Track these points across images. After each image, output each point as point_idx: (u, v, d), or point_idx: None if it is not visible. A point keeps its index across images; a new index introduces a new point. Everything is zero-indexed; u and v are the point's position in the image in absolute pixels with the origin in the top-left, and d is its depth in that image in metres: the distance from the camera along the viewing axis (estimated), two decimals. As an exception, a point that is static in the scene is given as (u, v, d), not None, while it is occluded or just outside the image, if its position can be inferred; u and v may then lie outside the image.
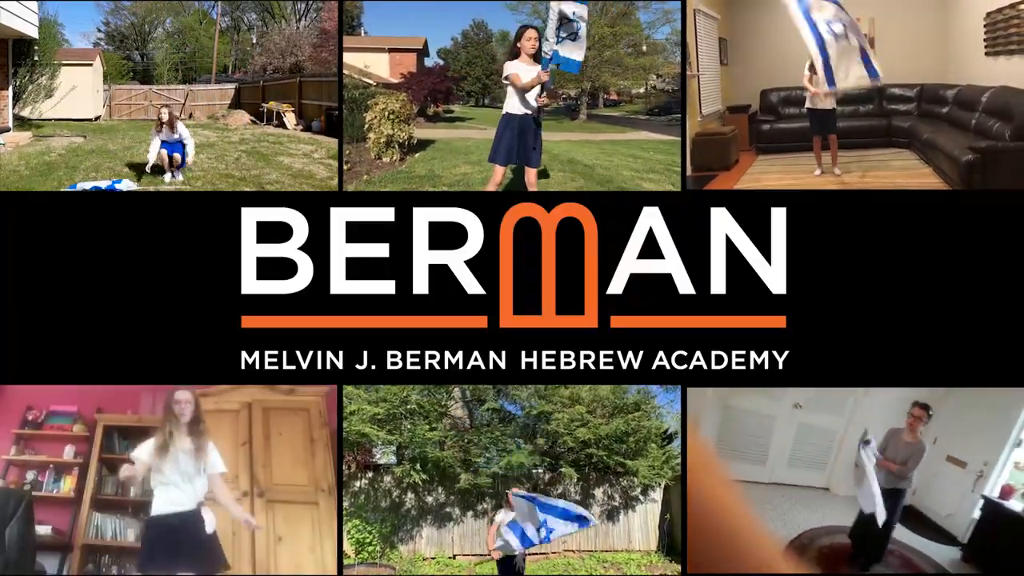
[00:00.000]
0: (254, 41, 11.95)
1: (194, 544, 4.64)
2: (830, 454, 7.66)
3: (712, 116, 10.21)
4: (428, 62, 11.60)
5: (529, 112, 6.44)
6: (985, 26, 8.76)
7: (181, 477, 4.62)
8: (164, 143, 7.98)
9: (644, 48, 11.50)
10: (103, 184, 7.69)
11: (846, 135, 8.61)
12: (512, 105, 6.48)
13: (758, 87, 10.98)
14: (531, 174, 6.64)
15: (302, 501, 6.04)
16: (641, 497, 8.03)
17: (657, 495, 8.05)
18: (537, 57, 6.41)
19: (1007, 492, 6.75)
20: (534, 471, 7.89)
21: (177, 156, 8.09)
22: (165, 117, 7.95)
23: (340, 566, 6.12)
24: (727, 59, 10.99)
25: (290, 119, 10.70)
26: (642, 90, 12.15)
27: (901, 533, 6.45)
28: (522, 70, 6.38)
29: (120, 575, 6.26)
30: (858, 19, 10.44)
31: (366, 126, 8.84)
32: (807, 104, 8.44)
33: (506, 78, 6.45)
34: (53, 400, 6.95)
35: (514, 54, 6.47)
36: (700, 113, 9.67)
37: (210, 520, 4.73)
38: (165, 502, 4.63)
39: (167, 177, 8.16)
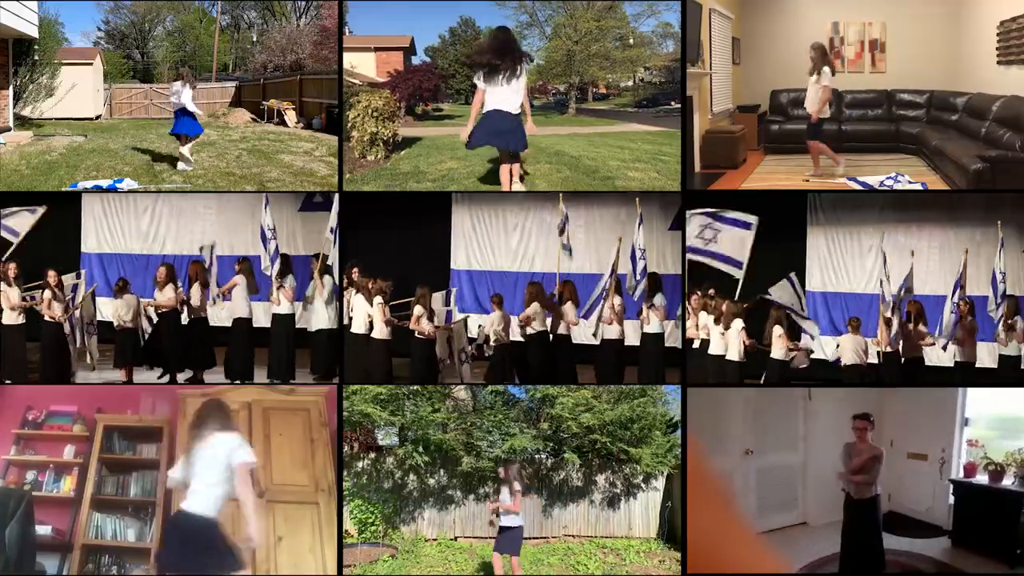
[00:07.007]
0: (254, 39, 12.28)
1: (213, 544, 4.94)
2: (797, 489, 7.93)
3: (722, 114, 10.50)
4: (415, 60, 11.95)
5: (502, 109, 7.10)
6: (998, 34, 8.96)
7: (204, 485, 4.93)
8: (179, 113, 8.64)
9: (631, 41, 11.85)
10: (104, 183, 8.06)
11: (853, 139, 8.88)
12: (490, 103, 7.18)
13: (768, 87, 11.25)
14: (511, 170, 7.26)
15: (302, 501, 6.32)
16: (643, 485, 8.35)
17: (659, 483, 8.36)
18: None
19: (970, 469, 7.36)
20: (537, 456, 8.21)
21: (187, 137, 8.67)
22: (187, 73, 8.87)
23: (340, 566, 6.46)
24: (739, 58, 11.28)
25: (291, 117, 11.03)
26: (630, 83, 12.51)
27: (891, 541, 6.84)
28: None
29: (120, 575, 6.54)
30: (869, 23, 10.81)
31: (349, 124, 9.10)
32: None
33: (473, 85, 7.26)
34: (53, 400, 7.21)
35: None
36: (711, 111, 9.95)
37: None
38: (192, 504, 4.94)
39: (181, 166, 8.59)
